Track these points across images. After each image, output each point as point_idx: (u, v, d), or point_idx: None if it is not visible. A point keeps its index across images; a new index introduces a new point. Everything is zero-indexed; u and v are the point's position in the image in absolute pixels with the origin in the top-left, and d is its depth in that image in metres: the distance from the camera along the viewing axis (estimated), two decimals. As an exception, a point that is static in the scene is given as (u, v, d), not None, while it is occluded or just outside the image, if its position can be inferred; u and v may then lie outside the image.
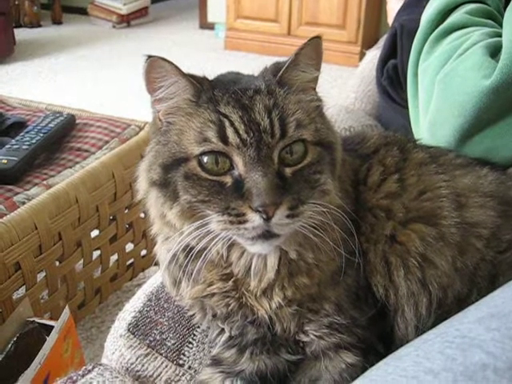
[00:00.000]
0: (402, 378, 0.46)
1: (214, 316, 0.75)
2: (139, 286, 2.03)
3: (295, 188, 0.64)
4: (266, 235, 0.63)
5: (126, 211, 1.75)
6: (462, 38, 1.03)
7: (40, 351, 1.15)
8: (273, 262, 0.70)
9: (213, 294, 0.73)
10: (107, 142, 1.71)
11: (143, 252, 1.90)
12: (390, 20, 2.07)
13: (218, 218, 0.63)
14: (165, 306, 0.82)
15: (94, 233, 1.64)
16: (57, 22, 5.56)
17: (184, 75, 0.67)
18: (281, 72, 0.69)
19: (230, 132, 0.63)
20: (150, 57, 0.65)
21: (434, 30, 1.12)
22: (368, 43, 4.09)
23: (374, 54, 2.01)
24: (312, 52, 0.69)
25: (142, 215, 1.81)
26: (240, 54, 4.77)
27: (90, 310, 1.74)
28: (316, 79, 0.72)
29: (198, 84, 0.67)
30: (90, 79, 4.06)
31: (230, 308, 0.72)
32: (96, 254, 1.67)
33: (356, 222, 0.74)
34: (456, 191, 0.76)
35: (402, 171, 0.79)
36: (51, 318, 1.48)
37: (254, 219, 0.61)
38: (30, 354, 1.16)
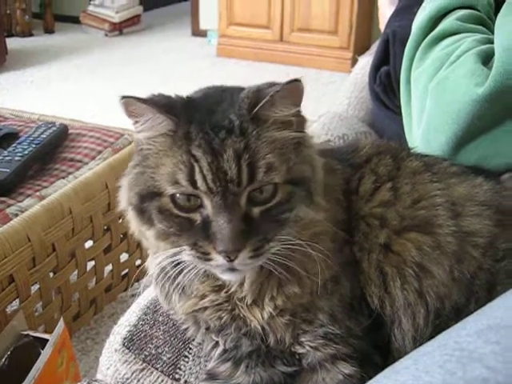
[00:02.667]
0: (401, 392, 0.45)
1: (208, 329, 0.75)
2: (134, 296, 2.01)
3: (262, 228, 0.65)
4: (233, 269, 0.66)
5: (120, 221, 1.73)
6: (453, 45, 1.02)
7: (34, 365, 1.14)
8: (251, 275, 0.71)
9: (205, 308, 0.73)
10: (100, 151, 1.70)
11: (138, 262, 1.89)
12: (382, 26, 2.07)
13: (188, 251, 0.66)
14: (160, 319, 0.81)
15: (88, 243, 1.63)
16: (49, 30, 5.54)
17: (160, 110, 0.66)
18: (255, 109, 0.66)
19: (198, 178, 0.64)
20: (123, 97, 0.65)
21: (425, 37, 1.12)
22: (360, 49, 4.10)
23: (366, 61, 2.01)
24: (290, 94, 0.66)
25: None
26: (233, 61, 4.77)
27: (85, 321, 1.73)
28: (296, 113, 0.69)
29: (175, 118, 0.66)
30: (83, 88, 4.05)
31: (223, 321, 0.72)
32: (90, 264, 1.65)
33: (348, 231, 0.74)
34: (451, 200, 0.75)
35: (396, 180, 0.78)
36: (46, 331, 1.47)
37: (218, 259, 0.64)
38: (24, 368, 1.14)
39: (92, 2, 5.53)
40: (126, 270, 1.84)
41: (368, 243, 0.74)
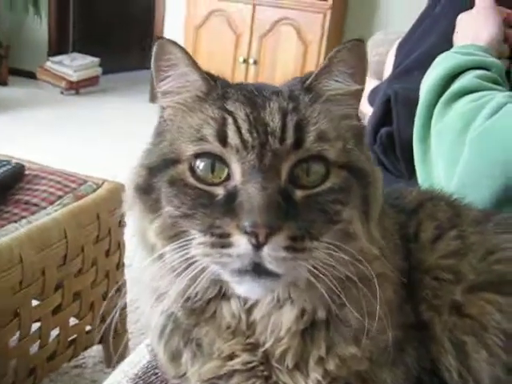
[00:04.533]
0: None
1: None
2: (78, 367, 1.74)
3: (305, 216, 0.49)
4: (257, 271, 0.47)
5: (75, 278, 1.50)
6: (481, 100, 0.99)
7: None
8: (288, 319, 0.54)
9: (232, 373, 0.55)
10: (60, 197, 1.50)
11: (88, 327, 1.63)
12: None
13: (200, 238, 0.48)
14: (157, 393, 0.61)
15: (35, 301, 1.38)
16: (2, 82, 5.31)
17: (197, 67, 0.55)
18: (310, 78, 0.55)
19: (230, 130, 0.50)
20: (159, 38, 0.55)
21: (439, 95, 1.10)
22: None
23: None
24: (350, 58, 0.55)
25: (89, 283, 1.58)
26: (191, 129, 4.68)
27: (19, 395, 1.44)
28: (357, 94, 0.57)
29: (212, 80, 0.56)
30: (32, 143, 3.80)
31: None
32: (35, 326, 1.40)
33: (409, 286, 0.60)
34: None
35: (460, 228, 0.65)
36: (-28, 405, 1.19)
37: (240, 243, 0.46)
38: None
39: (50, 59, 5.38)
40: (74, 336, 1.58)
41: (440, 300, 0.59)
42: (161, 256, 0.53)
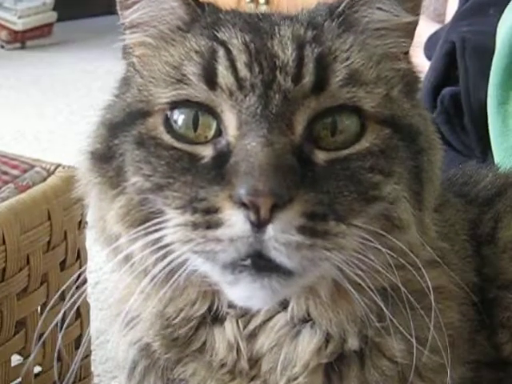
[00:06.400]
0: None
1: None
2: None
3: (329, 187, 0.46)
4: (259, 265, 0.45)
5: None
6: None
7: None
8: (306, 350, 0.51)
9: None
10: (-4, 188, 1.49)
11: (37, 369, 1.63)
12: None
13: (177, 218, 0.46)
14: None
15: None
16: None
17: None
18: (342, 4, 0.53)
19: (221, 65, 0.49)
20: None
21: None
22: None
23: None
24: None
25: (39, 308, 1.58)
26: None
27: None
28: (409, 28, 0.55)
29: (198, 7, 0.55)
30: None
31: None
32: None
33: (483, 307, 0.58)
34: None
35: None
36: None
37: (234, 221, 0.43)
38: None
39: (-14, 1, 5.43)
40: (18, 381, 1.58)
41: None
42: (128, 257, 0.51)
